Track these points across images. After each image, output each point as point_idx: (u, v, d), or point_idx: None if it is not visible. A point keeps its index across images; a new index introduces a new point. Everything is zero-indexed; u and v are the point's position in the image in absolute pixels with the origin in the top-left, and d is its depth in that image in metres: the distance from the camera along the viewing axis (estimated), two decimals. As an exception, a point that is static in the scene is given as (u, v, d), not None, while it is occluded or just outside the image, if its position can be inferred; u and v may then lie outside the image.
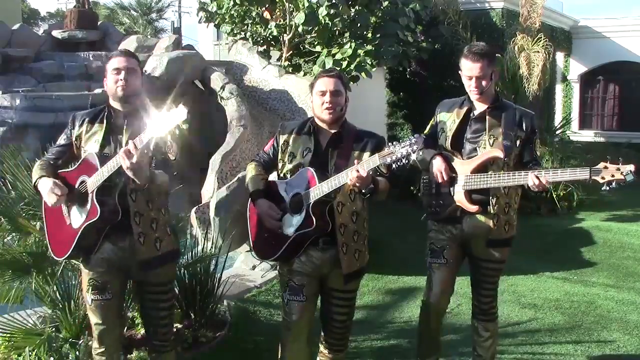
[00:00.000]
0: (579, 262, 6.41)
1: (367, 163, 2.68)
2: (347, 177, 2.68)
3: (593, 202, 9.29)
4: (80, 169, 2.87)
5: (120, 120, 2.91)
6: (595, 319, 4.73)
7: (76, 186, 2.86)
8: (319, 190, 2.76)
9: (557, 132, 10.99)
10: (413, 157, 2.62)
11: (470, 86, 3.13)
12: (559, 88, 13.37)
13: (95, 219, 2.74)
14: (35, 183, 2.88)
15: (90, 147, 2.89)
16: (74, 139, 2.97)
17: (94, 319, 2.95)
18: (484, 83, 3.12)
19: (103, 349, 2.97)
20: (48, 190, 2.80)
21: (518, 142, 3.12)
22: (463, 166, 3.12)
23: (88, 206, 2.78)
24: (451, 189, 3.14)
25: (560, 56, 13.16)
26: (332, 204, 2.82)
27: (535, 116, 3.28)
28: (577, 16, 13.96)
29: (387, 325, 4.63)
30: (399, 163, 2.62)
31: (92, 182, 2.76)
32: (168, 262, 3.02)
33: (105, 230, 2.82)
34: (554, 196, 8.80)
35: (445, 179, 3.06)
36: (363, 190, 2.76)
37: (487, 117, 3.15)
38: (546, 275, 5.86)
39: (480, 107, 3.19)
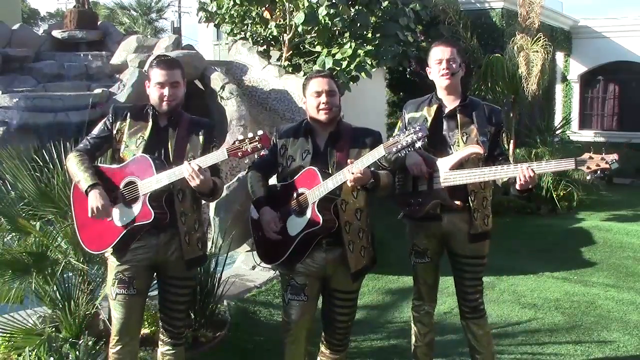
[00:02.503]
0: (579, 262, 6.41)
1: (372, 155, 2.69)
2: (346, 175, 2.69)
3: (593, 202, 9.31)
4: (129, 168, 2.85)
5: (164, 121, 2.95)
6: (595, 319, 4.73)
7: (122, 184, 2.85)
8: (324, 187, 2.75)
9: (557, 132, 11.01)
10: (418, 144, 2.63)
11: (440, 70, 3.14)
12: (559, 88, 13.37)
13: (147, 222, 2.77)
14: (87, 190, 2.81)
15: (135, 144, 2.89)
16: (114, 132, 2.96)
17: (116, 314, 2.92)
18: (454, 66, 3.14)
19: (120, 346, 2.93)
20: (97, 205, 2.76)
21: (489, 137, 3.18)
22: (441, 163, 3.11)
23: (138, 207, 2.79)
24: (434, 185, 3.11)
25: (560, 56, 13.16)
26: (337, 202, 2.82)
27: (501, 111, 3.34)
28: (577, 16, 13.98)
29: (387, 325, 4.63)
30: (404, 151, 2.65)
31: (146, 186, 2.76)
32: (205, 261, 3.16)
33: (145, 229, 2.83)
34: (554, 196, 8.81)
35: (424, 171, 3.05)
36: (367, 187, 2.76)
37: (458, 115, 3.16)
38: (546, 275, 5.86)
39: (449, 105, 3.20)
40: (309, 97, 2.93)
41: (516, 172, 2.92)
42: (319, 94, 2.88)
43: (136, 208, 2.80)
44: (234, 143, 2.68)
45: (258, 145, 2.65)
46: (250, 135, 2.68)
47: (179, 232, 2.89)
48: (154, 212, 2.76)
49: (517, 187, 2.94)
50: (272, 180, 3.09)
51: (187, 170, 2.69)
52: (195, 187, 2.74)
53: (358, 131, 2.99)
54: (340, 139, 2.92)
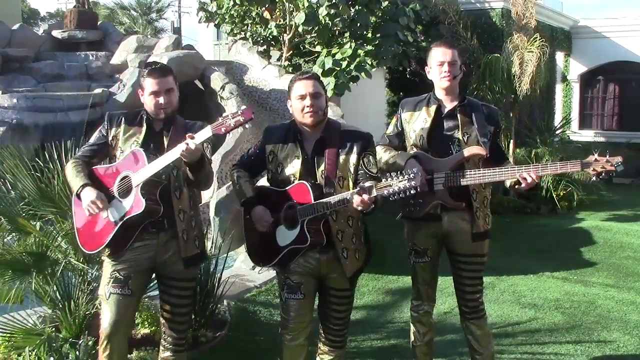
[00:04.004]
0: (579, 262, 6.41)
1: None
2: (345, 203, 2.68)
3: (593, 202, 9.31)
4: (123, 164, 2.87)
5: (159, 125, 2.97)
6: (595, 319, 4.73)
7: (117, 181, 2.87)
8: (314, 208, 2.74)
9: (557, 132, 11.00)
10: (410, 192, 2.60)
11: (441, 72, 3.13)
12: (559, 88, 13.37)
13: (139, 212, 2.76)
14: (78, 191, 2.86)
15: (130, 148, 2.90)
16: (109, 138, 2.99)
17: (107, 315, 2.88)
18: (455, 69, 3.14)
19: (110, 350, 2.89)
20: (92, 200, 2.80)
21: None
22: (441, 164, 3.11)
23: (131, 200, 2.79)
24: (435, 185, 3.10)
25: (560, 56, 13.16)
26: (327, 218, 2.81)
27: (499, 111, 3.36)
28: (577, 16, 13.97)
29: (387, 325, 4.63)
30: (395, 197, 2.62)
31: (139, 177, 2.78)
32: (204, 260, 3.16)
33: (142, 225, 2.83)
34: (554, 196, 8.82)
35: (425, 178, 3.04)
36: (366, 212, 2.73)
37: (458, 114, 3.15)
38: (546, 275, 5.86)
39: (448, 105, 3.19)
40: (294, 100, 2.88)
41: (515, 175, 2.96)
42: (303, 97, 2.83)
43: (129, 200, 2.81)
44: (217, 119, 2.68)
45: (241, 119, 2.63)
46: (234, 110, 2.67)
47: (177, 229, 2.90)
48: (146, 202, 2.75)
49: (523, 187, 2.98)
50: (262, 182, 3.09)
51: (182, 146, 2.67)
52: (186, 155, 2.68)
53: (347, 135, 2.93)
54: (327, 146, 2.88)
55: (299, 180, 2.84)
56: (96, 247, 2.93)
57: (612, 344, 4.26)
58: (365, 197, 2.62)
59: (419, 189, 2.61)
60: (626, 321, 4.69)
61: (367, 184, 2.68)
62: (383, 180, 2.65)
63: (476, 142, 3.11)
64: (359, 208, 2.65)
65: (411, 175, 2.58)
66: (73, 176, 2.92)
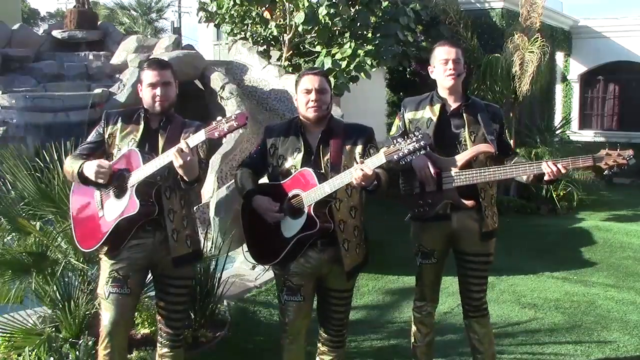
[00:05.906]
0: (579, 262, 6.41)
1: (372, 161, 2.66)
2: (351, 176, 2.66)
3: (593, 202, 9.32)
4: (119, 163, 2.88)
5: (156, 123, 2.97)
6: (595, 319, 4.73)
7: (114, 179, 2.87)
8: (320, 190, 2.73)
9: (557, 132, 11.00)
10: (419, 153, 2.61)
11: (446, 70, 3.12)
12: (559, 88, 13.36)
13: (133, 213, 2.77)
14: (79, 170, 2.86)
15: (127, 146, 2.91)
16: (106, 136, 3.00)
17: (107, 314, 2.89)
18: (460, 67, 3.13)
19: (110, 349, 2.90)
20: (95, 168, 2.80)
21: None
22: (450, 163, 3.10)
23: (126, 200, 2.81)
24: (444, 185, 3.09)
25: (560, 56, 13.16)
26: (331, 204, 2.80)
27: (501, 109, 3.37)
28: (577, 16, 13.97)
29: (387, 325, 4.63)
30: (404, 160, 2.62)
31: (135, 177, 2.79)
32: (197, 259, 3.15)
33: (138, 225, 2.84)
34: (554, 196, 8.82)
35: (433, 173, 3.03)
36: (369, 188, 2.74)
37: (463, 113, 3.15)
38: (546, 275, 5.86)
39: (452, 104, 3.18)
40: (299, 94, 2.91)
41: (538, 169, 2.94)
42: (308, 91, 2.86)
43: (124, 200, 2.82)
44: (211, 123, 2.68)
45: (234, 124, 2.64)
46: (228, 115, 2.68)
47: (167, 229, 2.90)
48: (141, 203, 2.76)
49: (545, 179, 2.96)
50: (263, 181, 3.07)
51: (173, 151, 2.69)
52: (180, 166, 2.69)
53: (350, 128, 2.96)
54: (332, 137, 2.90)
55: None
56: (92, 246, 2.93)
57: (612, 344, 4.26)
58: (368, 170, 2.61)
59: (428, 148, 2.61)
60: (626, 321, 4.69)
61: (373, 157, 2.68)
62: (390, 146, 2.63)
63: (483, 141, 3.11)
64: (359, 179, 2.62)
65: (419, 137, 2.58)
66: (72, 163, 2.92)
